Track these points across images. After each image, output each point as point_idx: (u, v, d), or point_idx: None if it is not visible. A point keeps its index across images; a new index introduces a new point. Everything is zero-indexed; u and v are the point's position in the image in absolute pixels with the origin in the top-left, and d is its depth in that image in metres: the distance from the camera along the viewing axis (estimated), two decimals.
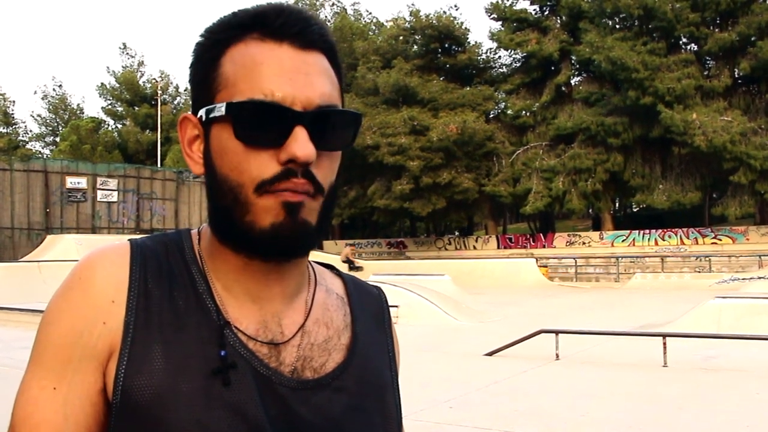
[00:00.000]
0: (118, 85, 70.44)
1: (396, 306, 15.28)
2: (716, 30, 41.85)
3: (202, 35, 0.98)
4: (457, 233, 61.73)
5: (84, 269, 0.95)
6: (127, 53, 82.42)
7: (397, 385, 1.12)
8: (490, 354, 11.29)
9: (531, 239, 46.70)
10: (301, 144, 0.88)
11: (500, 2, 49.10)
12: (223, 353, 0.92)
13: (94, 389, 0.92)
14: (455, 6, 78.00)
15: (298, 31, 0.93)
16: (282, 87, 0.90)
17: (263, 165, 0.90)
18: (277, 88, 0.90)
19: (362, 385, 1.03)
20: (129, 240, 1.00)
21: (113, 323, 0.92)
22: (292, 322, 1.01)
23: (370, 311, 1.14)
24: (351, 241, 49.88)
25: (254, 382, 0.92)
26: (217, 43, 0.95)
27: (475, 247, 47.40)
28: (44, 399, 0.90)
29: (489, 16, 49.87)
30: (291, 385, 0.95)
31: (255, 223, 0.91)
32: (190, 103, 1.00)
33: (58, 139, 72.09)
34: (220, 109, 0.91)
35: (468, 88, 49.57)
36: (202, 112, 0.95)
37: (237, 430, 0.89)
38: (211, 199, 0.96)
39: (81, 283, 0.94)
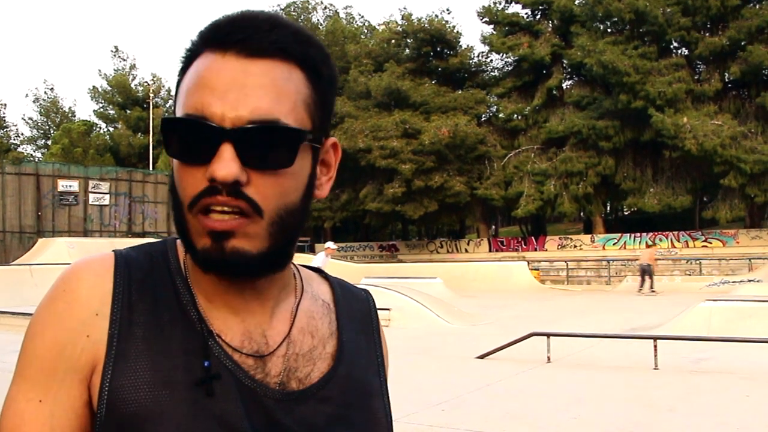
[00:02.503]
0: (110, 88, 70.21)
1: (387, 309, 15.28)
2: (707, 34, 42.03)
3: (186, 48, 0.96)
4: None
5: (68, 281, 0.93)
6: (119, 56, 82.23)
7: (387, 391, 1.11)
8: (482, 357, 11.31)
9: (522, 242, 46.79)
10: (222, 163, 0.84)
11: (492, 6, 49.27)
12: (206, 364, 0.91)
13: (80, 402, 0.91)
14: (447, 10, 78.10)
15: (243, 38, 0.88)
16: (213, 102, 0.86)
17: (195, 182, 0.87)
18: (208, 103, 0.86)
19: (348, 395, 1.01)
20: (113, 250, 0.99)
21: (97, 336, 0.91)
22: (277, 332, 0.99)
23: (357, 317, 1.12)
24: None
25: (239, 394, 0.92)
26: (188, 57, 0.93)
27: (466, 250, 47.43)
28: (30, 412, 0.90)
29: (481, 19, 50.04)
30: (276, 396, 0.95)
31: (193, 243, 0.90)
32: None
33: (49, 143, 71.81)
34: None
35: (460, 92, 49.67)
36: None
37: None
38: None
39: (65, 295, 0.92)
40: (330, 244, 19.70)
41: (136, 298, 0.94)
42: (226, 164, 0.84)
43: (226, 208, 0.86)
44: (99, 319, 0.91)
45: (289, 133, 0.88)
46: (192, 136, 0.86)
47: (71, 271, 0.95)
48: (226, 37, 0.89)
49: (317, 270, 1.16)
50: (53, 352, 0.90)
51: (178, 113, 0.89)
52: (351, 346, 1.06)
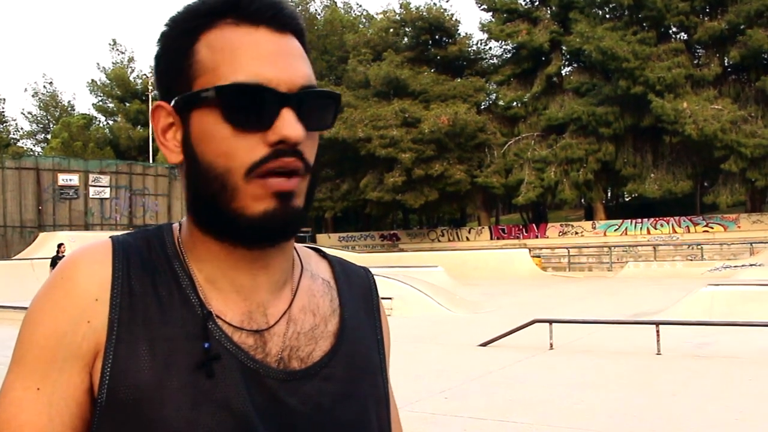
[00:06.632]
0: (108, 82, 70.20)
1: (389, 298, 15.28)
2: (706, 19, 41.93)
3: (168, 25, 0.97)
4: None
5: (65, 269, 0.93)
6: (117, 49, 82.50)
7: (386, 368, 1.11)
8: (485, 344, 11.32)
9: (524, 230, 46.78)
10: (291, 125, 0.89)
11: None
12: (206, 345, 0.91)
13: (80, 389, 0.90)
14: None
15: (272, 14, 0.93)
16: (265, 70, 0.90)
17: (252, 148, 0.89)
18: (260, 70, 0.90)
19: (352, 372, 1.02)
20: (110, 237, 0.99)
21: (97, 322, 0.90)
22: (278, 311, 0.99)
23: (358, 294, 1.12)
24: None
25: (241, 376, 0.92)
26: (188, 31, 0.94)
27: (467, 239, 47.45)
28: (28, 400, 0.89)
29: (479, 7, 49.95)
30: (279, 376, 0.95)
31: (244, 209, 0.90)
32: (159, 92, 0.99)
33: (49, 137, 71.82)
34: (209, 93, 0.90)
35: (459, 80, 49.62)
36: (178, 100, 0.94)
37: (224, 425, 0.89)
38: (192, 187, 0.95)
39: (63, 282, 0.92)
40: None
41: (136, 283, 0.93)
42: (295, 126, 0.90)
43: (288, 170, 0.91)
44: (99, 304, 0.91)
45: (333, 96, 0.96)
46: (252, 103, 0.90)
47: (69, 260, 0.94)
48: (257, 12, 0.93)
49: (315, 249, 1.17)
50: (52, 339, 0.90)
51: (217, 83, 0.91)
52: (353, 324, 1.07)
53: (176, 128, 0.95)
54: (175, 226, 1.03)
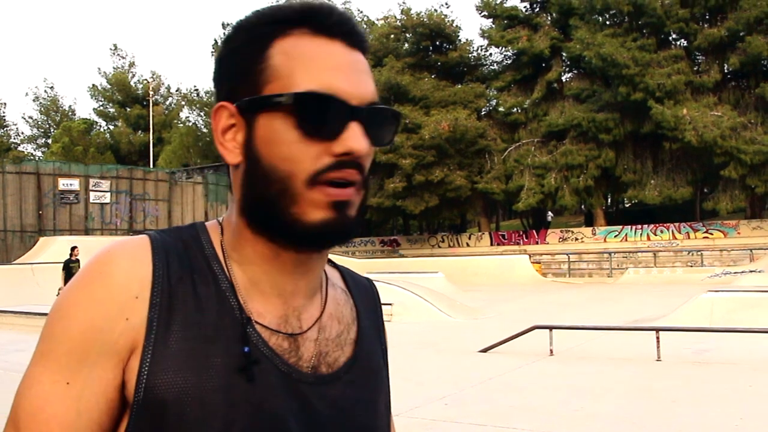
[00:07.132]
0: (109, 87, 70.19)
1: (390, 304, 15.29)
2: (705, 26, 41.98)
3: (238, 28, 0.98)
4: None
5: (104, 263, 0.92)
6: (118, 54, 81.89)
7: (388, 375, 1.15)
8: (485, 350, 11.32)
9: (524, 236, 46.73)
10: (357, 138, 0.91)
11: (491, 0, 49.17)
12: (246, 349, 0.92)
13: (112, 385, 0.90)
14: (446, 4, 78.10)
15: (348, 30, 0.96)
16: (338, 81, 0.92)
17: (317, 157, 0.91)
18: (334, 82, 0.92)
19: (368, 378, 1.06)
20: (147, 234, 0.99)
21: (136, 320, 0.90)
22: (310, 316, 1.02)
23: (367, 304, 1.16)
24: None
25: (277, 380, 0.94)
26: (262, 36, 0.95)
27: (468, 245, 47.42)
28: (56, 393, 0.88)
29: (480, 13, 50.00)
30: (309, 380, 0.98)
31: (302, 215, 0.92)
32: (218, 93, 0.99)
33: (50, 141, 71.82)
34: (283, 99, 0.91)
35: (459, 86, 49.63)
36: (244, 102, 0.94)
37: (261, 426, 0.91)
38: (250, 188, 0.95)
39: (102, 277, 0.91)
40: None
41: (176, 283, 0.94)
42: (361, 140, 0.92)
43: (347, 181, 0.93)
44: (138, 302, 0.91)
45: (396, 115, 0.99)
46: (324, 113, 0.91)
47: (107, 254, 0.94)
48: (334, 26, 0.96)
49: None
50: (88, 334, 0.89)
51: (291, 89, 0.92)
52: (367, 333, 1.11)
53: (237, 129, 0.96)
54: (211, 225, 1.04)
